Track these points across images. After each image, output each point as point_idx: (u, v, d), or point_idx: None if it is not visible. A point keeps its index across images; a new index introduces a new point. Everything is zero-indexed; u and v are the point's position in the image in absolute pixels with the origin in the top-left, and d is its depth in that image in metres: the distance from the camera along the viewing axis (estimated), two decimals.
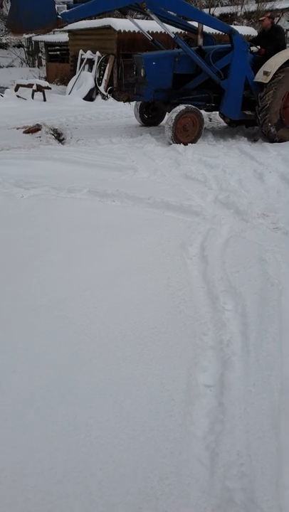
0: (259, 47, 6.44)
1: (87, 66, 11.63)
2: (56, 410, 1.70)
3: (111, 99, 10.85)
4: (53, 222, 3.50)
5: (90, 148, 5.98)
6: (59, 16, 5.37)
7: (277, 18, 21.29)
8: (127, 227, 3.44)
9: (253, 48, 6.50)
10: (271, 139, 6.37)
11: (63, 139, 6.28)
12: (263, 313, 2.35)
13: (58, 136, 6.25)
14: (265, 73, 6.09)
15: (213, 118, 8.32)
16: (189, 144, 6.12)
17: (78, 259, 2.92)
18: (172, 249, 3.11)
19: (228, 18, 18.38)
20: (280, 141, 6.40)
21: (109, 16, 11.42)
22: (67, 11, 5.61)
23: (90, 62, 11.56)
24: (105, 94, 10.89)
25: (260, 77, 6.20)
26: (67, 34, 13.33)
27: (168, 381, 1.86)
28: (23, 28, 5.40)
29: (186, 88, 6.53)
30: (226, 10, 19.89)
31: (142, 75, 6.29)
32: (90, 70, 11.49)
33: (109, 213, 3.74)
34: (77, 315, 2.32)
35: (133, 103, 7.36)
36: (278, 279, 2.69)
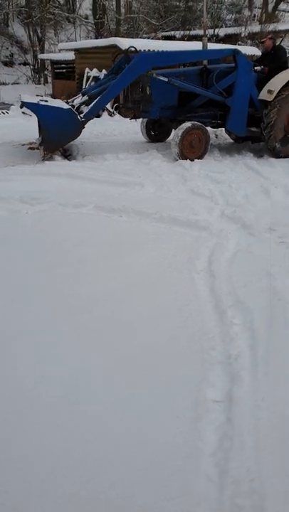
0: (263, 66, 6.58)
1: (93, 83, 11.85)
2: (60, 427, 1.69)
3: (117, 116, 11.02)
4: (59, 237, 3.52)
5: (97, 164, 6.05)
6: (83, 119, 5.95)
7: (280, 39, 21.71)
8: (134, 241, 3.46)
9: (257, 68, 6.64)
10: (277, 155, 6.44)
11: (69, 154, 6.36)
12: (270, 327, 2.33)
13: (64, 152, 6.33)
14: (269, 91, 6.23)
15: (219, 134, 8.41)
16: (196, 160, 6.19)
17: (86, 274, 2.93)
18: (179, 264, 3.12)
19: (232, 39, 18.75)
20: (286, 156, 6.47)
21: (116, 36, 11.73)
22: (87, 110, 6.10)
23: (96, 79, 11.78)
24: (112, 111, 11.08)
25: (264, 95, 6.34)
26: (73, 53, 13.64)
27: (177, 397, 1.85)
28: (58, 145, 6.10)
29: (191, 105, 6.64)
30: (230, 31, 20.30)
31: (148, 92, 6.42)
32: None
33: (115, 228, 3.77)
34: (86, 330, 2.32)
35: (139, 120, 7.48)
36: (285, 293, 2.68)
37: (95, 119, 11.00)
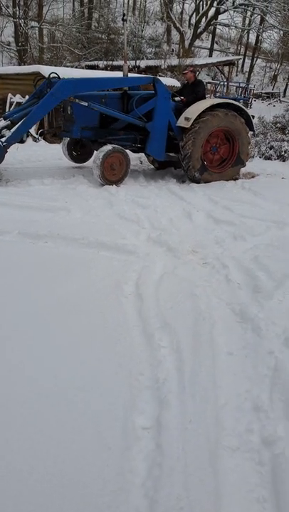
0: (182, 97, 6.99)
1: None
2: None
3: (42, 142, 10.91)
4: None
5: (21, 189, 5.89)
6: (5, 144, 5.93)
7: (197, 72, 23.34)
8: (60, 268, 3.38)
9: (177, 98, 7.04)
10: (197, 182, 6.81)
11: None
12: (196, 348, 2.39)
13: None
14: (187, 119, 6.63)
15: (144, 161, 8.68)
16: (121, 186, 6.29)
17: (7, 303, 2.78)
18: (107, 289, 3.10)
19: (152, 70, 19.75)
20: (206, 182, 6.85)
21: (39, 63, 11.74)
22: (9, 135, 6.05)
23: (20, 105, 11.63)
24: (36, 136, 10.96)
25: (181, 122, 6.72)
26: None
27: (104, 428, 1.79)
28: None
29: (112, 128, 6.81)
30: (151, 63, 21.41)
31: (69, 112, 6.50)
32: None
33: (41, 255, 3.66)
34: (6, 362, 2.18)
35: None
36: (209, 312, 2.78)
37: (18, 144, 10.80)
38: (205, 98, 7.02)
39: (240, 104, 7.02)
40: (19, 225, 4.23)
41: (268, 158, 9.63)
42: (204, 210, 5.25)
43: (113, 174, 6.35)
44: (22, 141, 10.90)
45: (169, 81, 14.14)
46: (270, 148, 9.70)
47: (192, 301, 2.94)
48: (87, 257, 3.67)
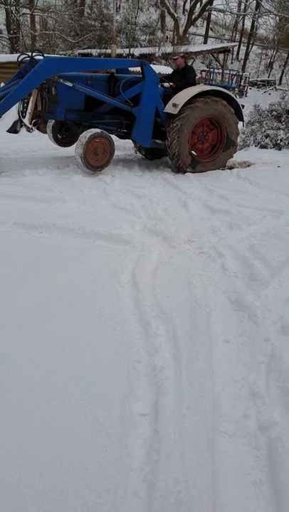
0: (171, 83, 6.88)
1: None
2: None
3: (36, 132, 10.81)
4: None
5: (15, 180, 5.84)
6: None
7: (192, 60, 23.10)
8: (55, 258, 3.37)
9: (166, 84, 6.92)
10: (192, 173, 6.75)
11: None
12: (193, 336, 2.40)
13: None
14: (174, 105, 6.46)
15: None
16: (116, 175, 6.24)
17: (1, 295, 2.77)
18: (104, 278, 3.10)
19: (147, 58, 19.53)
20: (201, 171, 6.81)
21: (31, 51, 11.56)
22: None
23: None
24: (30, 126, 10.84)
25: (169, 108, 6.56)
26: None
27: (102, 415, 1.81)
28: None
29: (98, 111, 6.64)
30: (145, 50, 21.17)
31: (53, 93, 6.30)
32: None
33: (35, 245, 3.64)
34: (3, 350, 2.18)
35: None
36: (205, 301, 2.79)
37: (12, 135, 10.70)
38: (195, 85, 6.88)
39: (230, 93, 6.87)
40: (14, 216, 4.20)
41: (264, 146, 9.60)
42: (200, 199, 5.24)
43: (95, 159, 6.21)
44: (16, 131, 10.79)
45: (163, 69, 14.00)
46: (266, 137, 9.66)
47: (188, 290, 2.95)
48: (83, 247, 3.66)
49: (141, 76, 6.54)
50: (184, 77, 6.82)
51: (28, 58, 6.16)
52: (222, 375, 2.16)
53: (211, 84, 7.82)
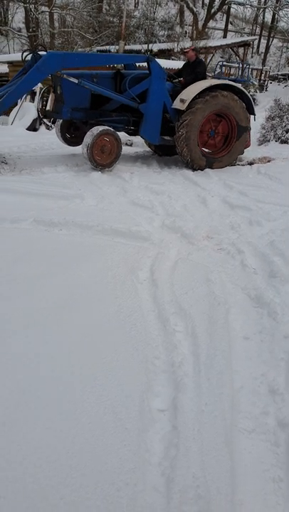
0: (180, 78, 6.74)
1: (29, 97, 11.66)
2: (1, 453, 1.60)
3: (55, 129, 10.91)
4: None
5: (35, 177, 5.92)
6: None
7: (211, 55, 22.85)
8: (75, 255, 3.41)
9: (175, 80, 6.80)
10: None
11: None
12: (212, 332, 2.40)
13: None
14: (182, 100, 6.32)
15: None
16: (135, 172, 6.24)
17: (23, 291, 2.82)
18: (122, 275, 3.12)
19: (165, 54, 19.44)
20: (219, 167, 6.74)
21: (50, 49, 11.66)
22: None
23: (32, 93, 11.61)
24: (49, 124, 10.95)
25: (177, 103, 6.44)
26: (6, 65, 13.37)
27: (121, 410, 1.83)
28: None
29: (104, 109, 6.56)
30: (164, 46, 21.04)
31: (59, 92, 6.24)
32: (32, 100, 11.53)
33: (56, 242, 3.69)
34: (22, 350, 2.23)
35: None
36: (224, 297, 2.78)
37: (32, 133, 10.83)
38: (206, 79, 6.71)
39: (240, 87, 6.70)
40: (34, 213, 4.26)
41: (284, 141, 9.42)
42: (219, 195, 5.20)
43: (101, 157, 6.16)
44: (35, 129, 10.92)
45: (182, 64, 13.85)
46: (287, 132, 9.47)
47: (207, 286, 2.94)
48: (102, 244, 3.69)
49: (147, 72, 6.42)
50: (193, 71, 6.65)
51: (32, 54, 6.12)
52: (241, 371, 2.15)
53: (225, 79, 7.68)
